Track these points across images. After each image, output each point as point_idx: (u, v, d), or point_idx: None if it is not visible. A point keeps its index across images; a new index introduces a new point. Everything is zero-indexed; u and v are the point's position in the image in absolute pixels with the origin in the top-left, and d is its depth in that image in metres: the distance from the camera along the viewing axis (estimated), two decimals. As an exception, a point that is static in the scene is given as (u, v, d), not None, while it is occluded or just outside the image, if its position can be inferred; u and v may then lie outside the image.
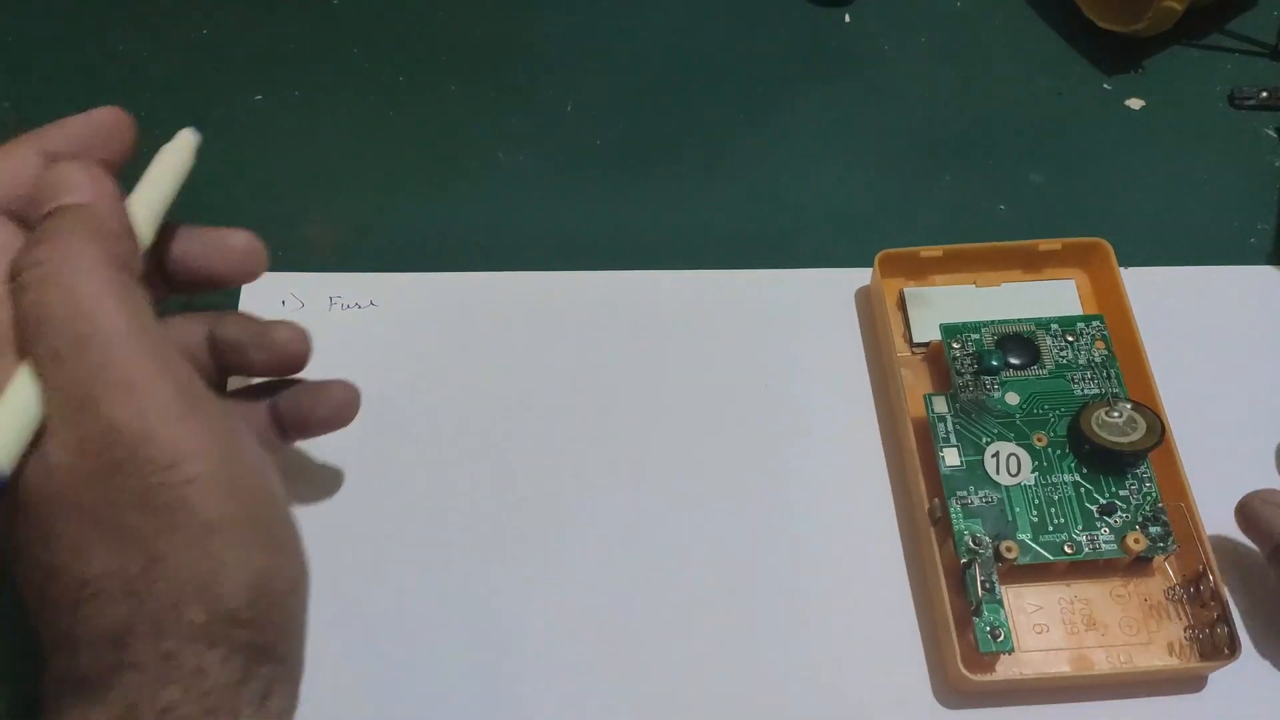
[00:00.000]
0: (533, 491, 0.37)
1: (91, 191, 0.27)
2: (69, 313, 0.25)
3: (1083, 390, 0.37)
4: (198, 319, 0.32)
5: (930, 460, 0.36)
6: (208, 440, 0.25)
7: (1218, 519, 0.36)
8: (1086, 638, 0.34)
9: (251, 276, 0.33)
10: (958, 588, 0.34)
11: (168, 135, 0.49)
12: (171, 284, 0.32)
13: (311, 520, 0.29)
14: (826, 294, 0.42)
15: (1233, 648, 0.32)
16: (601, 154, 0.46)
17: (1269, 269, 0.43)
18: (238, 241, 0.32)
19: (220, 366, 0.32)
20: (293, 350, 0.32)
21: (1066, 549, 0.34)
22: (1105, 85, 0.48)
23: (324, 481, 0.37)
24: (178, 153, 0.32)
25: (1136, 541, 0.34)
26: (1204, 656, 0.34)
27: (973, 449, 0.36)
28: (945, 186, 0.45)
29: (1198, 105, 0.48)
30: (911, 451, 0.36)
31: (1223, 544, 0.36)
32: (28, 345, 0.25)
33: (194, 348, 0.31)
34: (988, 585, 0.33)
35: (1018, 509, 0.35)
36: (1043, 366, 0.38)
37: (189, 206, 0.44)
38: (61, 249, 0.26)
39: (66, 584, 0.24)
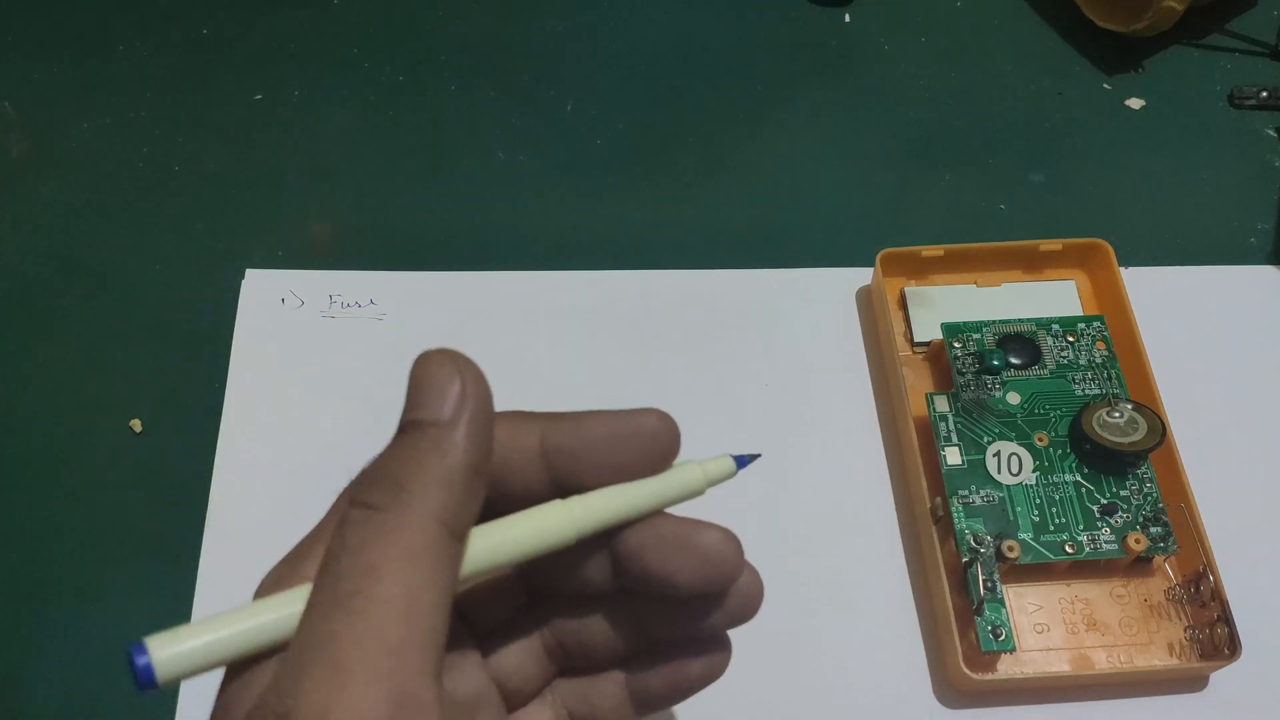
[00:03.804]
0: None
1: (452, 406, 0.22)
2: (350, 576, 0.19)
3: (1084, 390, 0.37)
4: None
5: (931, 459, 0.36)
6: None
7: (1218, 519, 0.36)
8: (1087, 637, 0.34)
9: (724, 585, 0.24)
10: (959, 587, 0.34)
11: (168, 134, 0.49)
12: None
13: (311, 521, 0.29)
14: (827, 294, 0.42)
15: (1233, 648, 0.32)
16: (601, 154, 0.46)
17: (1269, 269, 0.43)
18: (713, 543, 0.24)
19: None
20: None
21: (1067, 548, 0.34)
22: (1105, 85, 0.48)
23: (324, 480, 0.37)
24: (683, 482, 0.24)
25: (1137, 541, 0.34)
26: (1204, 656, 0.34)
27: (974, 448, 0.36)
28: (945, 186, 0.45)
29: (1198, 105, 0.48)
30: (913, 450, 0.36)
31: (1223, 544, 0.36)
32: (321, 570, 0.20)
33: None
34: (989, 584, 0.33)
35: (1019, 508, 0.35)
36: (1044, 366, 0.38)
37: (185, 205, 0.44)
38: (390, 497, 0.21)
39: None
